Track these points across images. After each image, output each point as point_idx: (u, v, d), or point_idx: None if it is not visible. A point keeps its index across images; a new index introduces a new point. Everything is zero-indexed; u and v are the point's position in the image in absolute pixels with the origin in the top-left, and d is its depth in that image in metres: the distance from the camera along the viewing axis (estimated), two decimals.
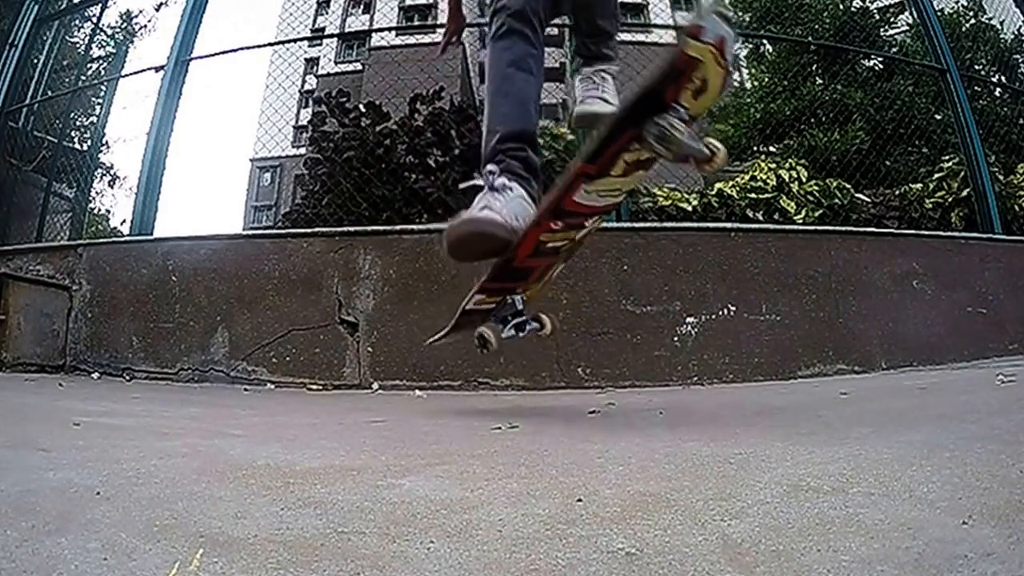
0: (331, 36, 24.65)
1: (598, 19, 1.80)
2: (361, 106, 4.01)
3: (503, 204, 1.39)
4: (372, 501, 0.75)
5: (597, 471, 0.89)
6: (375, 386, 2.53)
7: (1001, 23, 7.42)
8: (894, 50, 8.26)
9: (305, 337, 2.65)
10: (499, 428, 1.36)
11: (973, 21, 8.13)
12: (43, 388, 2.31)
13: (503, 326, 1.58)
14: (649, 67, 1.20)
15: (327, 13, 22.53)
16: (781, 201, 3.64)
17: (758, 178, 3.78)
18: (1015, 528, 0.57)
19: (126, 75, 4.85)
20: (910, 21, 6.42)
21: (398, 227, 2.85)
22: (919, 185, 4.14)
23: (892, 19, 8.71)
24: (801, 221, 3.51)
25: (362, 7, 21.83)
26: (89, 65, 5.57)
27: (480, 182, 1.44)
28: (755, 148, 7.49)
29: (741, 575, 0.52)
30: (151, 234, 3.11)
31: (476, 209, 1.39)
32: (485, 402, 2.13)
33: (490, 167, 1.43)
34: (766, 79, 9.26)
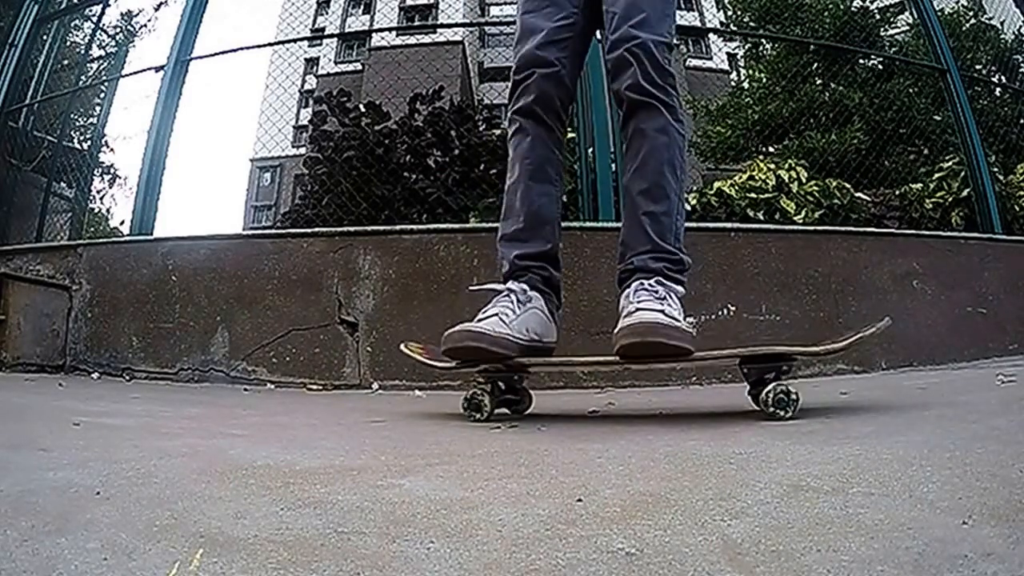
0: (331, 36, 24.67)
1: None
2: (361, 106, 4.02)
3: (516, 316, 1.39)
4: (372, 501, 0.75)
5: (597, 471, 0.89)
6: (375, 386, 2.53)
7: (1001, 23, 7.43)
8: (894, 50, 8.26)
9: (305, 337, 2.65)
10: (499, 428, 1.36)
11: (973, 21, 8.14)
12: (43, 388, 2.31)
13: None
14: None
15: (327, 13, 22.54)
16: (781, 201, 3.64)
17: (757, 178, 3.78)
18: (1015, 528, 0.57)
19: (126, 75, 4.85)
20: (910, 21, 6.42)
21: (398, 227, 2.85)
22: (919, 185, 4.14)
23: (892, 19, 8.71)
24: (801, 221, 3.51)
25: (362, 7, 21.84)
26: (89, 65, 5.57)
27: (497, 286, 1.46)
28: (754, 149, 7.49)
29: (741, 575, 0.52)
30: (151, 234, 3.11)
31: (483, 317, 1.37)
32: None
33: (511, 285, 1.43)
34: (765, 79, 9.26)
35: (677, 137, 1.47)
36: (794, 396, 1.26)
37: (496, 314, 1.38)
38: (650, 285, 1.37)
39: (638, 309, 1.31)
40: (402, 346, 1.64)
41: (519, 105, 1.53)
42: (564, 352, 2.53)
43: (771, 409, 1.27)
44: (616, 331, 1.29)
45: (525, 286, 1.44)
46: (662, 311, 1.30)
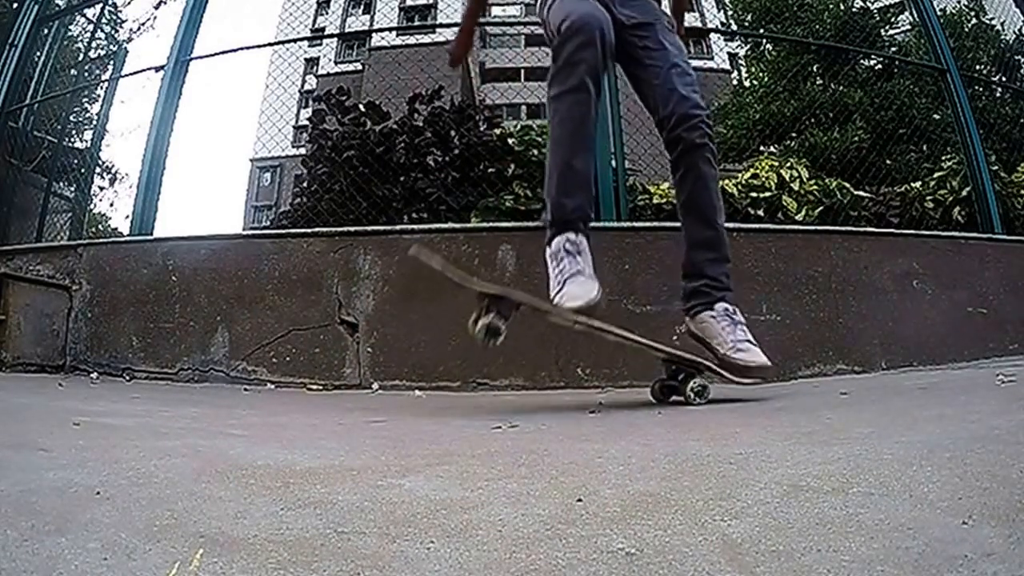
0: (331, 36, 24.67)
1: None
2: (361, 106, 4.01)
3: (590, 269, 1.66)
4: (372, 501, 0.75)
5: (597, 471, 0.89)
6: (375, 386, 2.53)
7: (1002, 24, 7.42)
8: (894, 50, 8.26)
9: (305, 337, 2.65)
10: (499, 428, 1.36)
11: (974, 22, 8.14)
12: (43, 388, 2.31)
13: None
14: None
15: (327, 13, 22.54)
16: (783, 199, 3.64)
17: (760, 176, 3.78)
18: (1015, 528, 0.56)
19: (126, 75, 4.85)
20: (910, 21, 6.42)
21: (398, 227, 2.85)
22: (919, 184, 4.14)
23: (892, 19, 8.71)
24: (802, 220, 3.51)
25: (362, 7, 21.83)
26: (88, 66, 5.56)
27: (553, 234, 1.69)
28: (755, 148, 7.49)
29: (741, 575, 0.52)
30: (151, 234, 3.11)
31: (578, 277, 1.62)
32: (485, 402, 2.13)
33: (572, 235, 1.67)
34: (766, 79, 9.26)
35: None
36: (708, 389, 1.66)
37: (578, 272, 1.62)
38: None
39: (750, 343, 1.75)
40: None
41: (573, 60, 1.64)
42: (564, 351, 2.54)
43: (691, 397, 1.64)
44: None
45: (582, 236, 1.68)
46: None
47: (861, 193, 3.89)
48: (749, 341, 1.75)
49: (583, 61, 1.63)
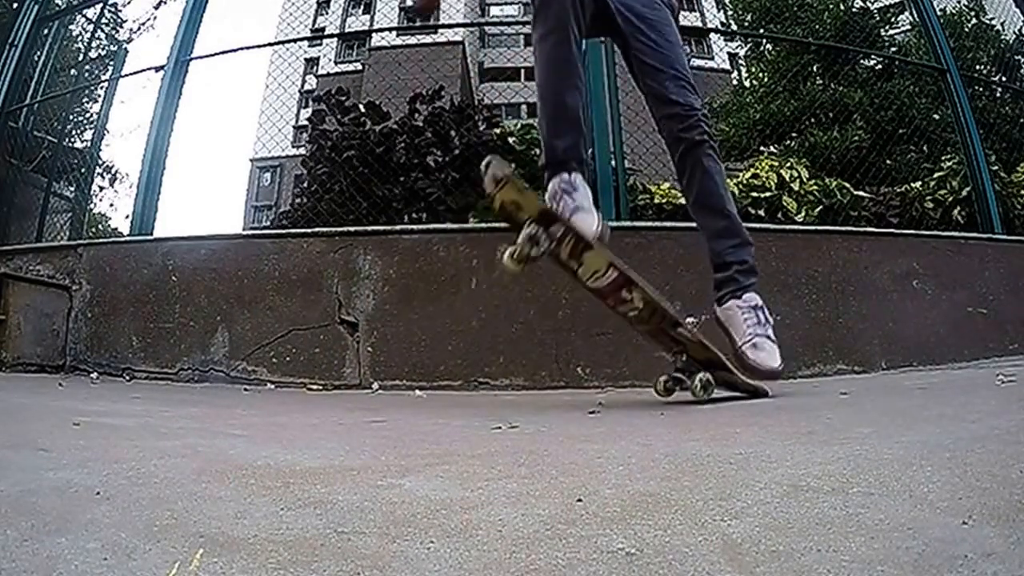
0: (331, 36, 24.66)
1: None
2: (361, 106, 4.02)
3: (588, 199, 1.71)
4: (372, 501, 0.75)
5: (597, 471, 0.89)
6: (375, 386, 2.53)
7: (1002, 24, 7.42)
8: (894, 50, 8.26)
9: (305, 337, 2.65)
10: (499, 428, 1.36)
11: (974, 22, 8.13)
12: (43, 388, 2.31)
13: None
14: None
15: (327, 13, 22.54)
16: (783, 199, 3.64)
17: (760, 176, 3.78)
18: (1016, 528, 0.56)
19: (126, 75, 4.85)
20: (910, 21, 6.42)
21: (398, 227, 2.86)
22: (919, 184, 4.14)
23: (892, 19, 8.71)
24: (802, 220, 3.51)
25: (362, 7, 21.84)
26: (88, 66, 5.56)
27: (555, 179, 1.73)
28: (755, 148, 7.49)
29: (741, 575, 0.52)
30: (151, 234, 3.11)
31: (580, 207, 1.68)
32: (485, 402, 2.13)
33: (565, 175, 1.72)
34: (766, 79, 9.26)
35: None
36: (713, 384, 1.67)
37: (578, 207, 1.67)
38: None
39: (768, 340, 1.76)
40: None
41: (546, 1, 1.69)
42: (564, 351, 2.54)
43: (696, 390, 1.65)
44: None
45: (576, 175, 1.72)
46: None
47: (861, 193, 3.90)
48: (768, 338, 1.75)
49: (555, 2, 1.69)
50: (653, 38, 1.86)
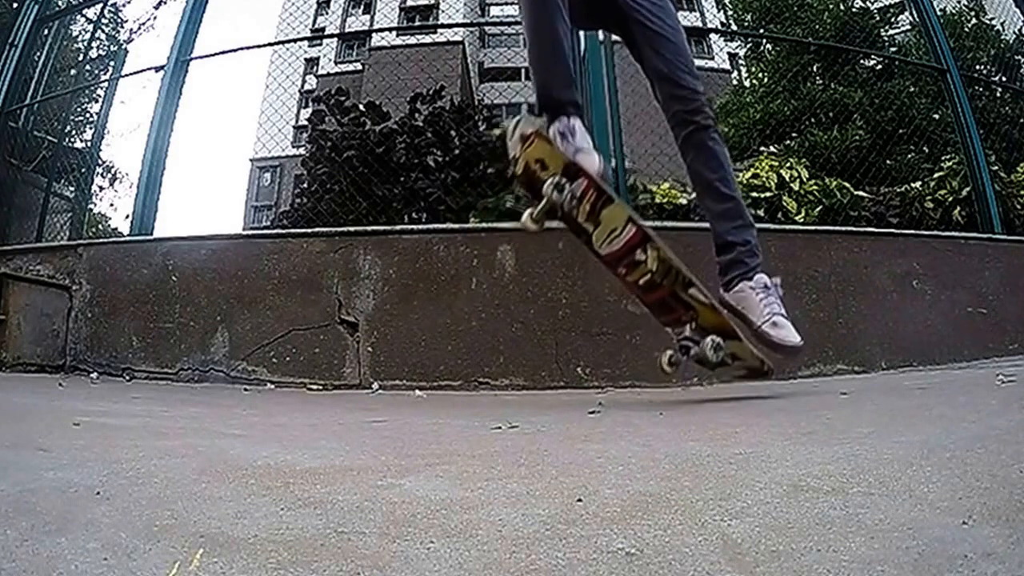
0: (331, 36, 24.64)
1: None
2: (361, 106, 4.02)
3: (587, 139, 1.74)
4: (372, 501, 0.75)
5: (597, 471, 0.89)
6: (375, 386, 2.53)
7: (1002, 24, 7.42)
8: (894, 50, 8.25)
9: (305, 337, 2.65)
10: (499, 428, 1.36)
11: (974, 22, 8.13)
12: (43, 388, 2.31)
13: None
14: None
15: (327, 13, 22.53)
16: (783, 199, 3.64)
17: (760, 176, 3.78)
18: (1016, 528, 0.56)
19: (126, 75, 4.85)
20: (911, 21, 6.42)
21: (398, 227, 2.85)
22: (919, 184, 4.14)
23: (892, 19, 8.70)
24: (802, 221, 3.51)
25: (362, 7, 21.83)
26: (88, 66, 5.56)
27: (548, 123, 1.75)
28: (755, 148, 7.48)
29: (741, 575, 0.52)
30: (151, 234, 3.11)
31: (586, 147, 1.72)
32: (485, 402, 2.13)
33: (564, 119, 1.73)
34: (766, 79, 9.26)
35: None
36: (722, 347, 1.67)
37: (580, 149, 1.70)
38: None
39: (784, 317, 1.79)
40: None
41: None
42: (564, 351, 2.54)
43: (707, 352, 1.65)
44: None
45: (573, 119, 1.74)
46: None
47: (861, 193, 3.89)
48: (783, 315, 1.79)
49: None
50: (663, 19, 1.90)
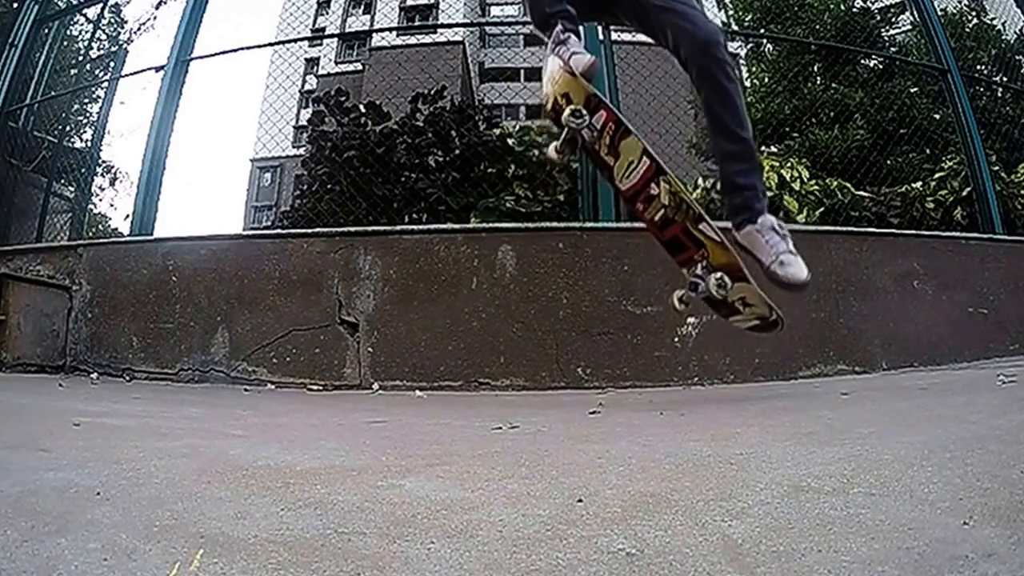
0: (331, 36, 24.64)
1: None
2: (361, 106, 4.02)
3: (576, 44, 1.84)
4: (372, 501, 0.75)
5: (597, 471, 0.89)
6: (375, 386, 2.53)
7: (1003, 24, 7.42)
8: (894, 50, 8.25)
9: (305, 337, 2.65)
10: (499, 428, 1.35)
11: (975, 22, 8.13)
12: (43, 388, 2.31)
13: None
14: None
15: (327, 13, 22.53)
16: (784, 199, 3.64)
17: None
18: (1016, 529, 0.56)
19: (126, 75, 4.84)
20: (911, 21, 6.41)
21: (398, 227, 2.85)
22: (920, 184, 4.14)
23: (893, 19, 8.70)
24: (803, 221, 3.51)
25: (362, 7, 21.84)
26: (88, 66, 5.56)
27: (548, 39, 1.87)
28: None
29: (741, 575, 0.52)
30: (151, 234, 3.11)
31: (577, 48, 1.82)
32: (485, 402, 2.13)
33: (557, 28, 1.84)
34: (766, 78, 9.25)
35: None
36: (726, 284, 1.73)
37: (575, 52, 1.80)
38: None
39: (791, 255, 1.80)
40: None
41: None
42: (565, 352, 2.54)
43: (711, 286, 1.71)
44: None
45: (567, 32, 1.84)
46: None
47: (862, 193, 3.89)
48: (790, 252, 1.81)
49: None
50: None
